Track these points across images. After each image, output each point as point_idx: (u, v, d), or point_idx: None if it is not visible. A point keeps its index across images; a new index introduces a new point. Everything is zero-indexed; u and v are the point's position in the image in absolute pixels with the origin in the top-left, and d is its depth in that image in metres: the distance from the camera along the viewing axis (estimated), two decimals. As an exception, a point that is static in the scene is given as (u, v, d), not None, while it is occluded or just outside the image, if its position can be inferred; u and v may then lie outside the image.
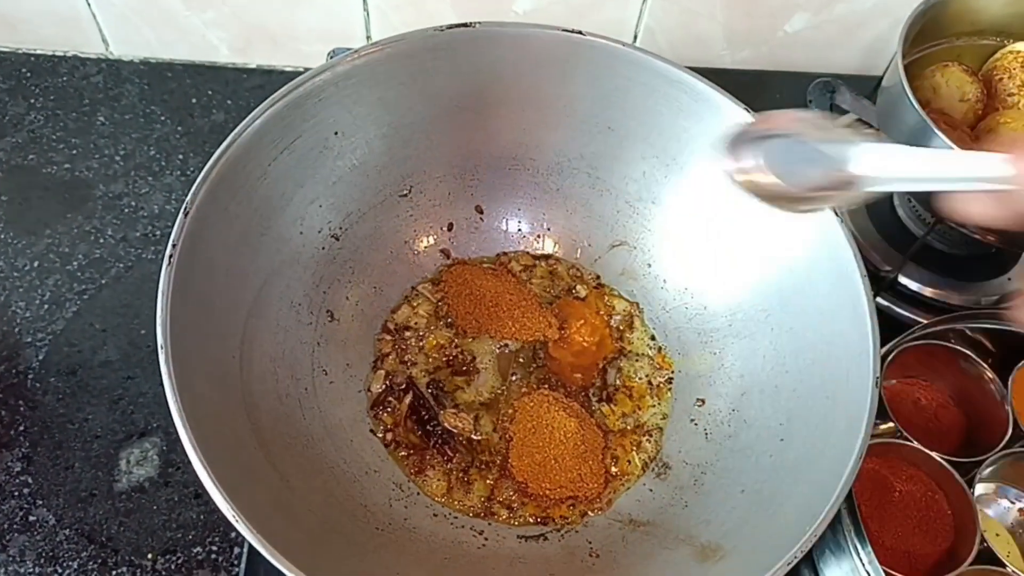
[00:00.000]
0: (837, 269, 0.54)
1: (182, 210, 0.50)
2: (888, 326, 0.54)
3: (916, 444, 0.61)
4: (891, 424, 0.61)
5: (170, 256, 0.48)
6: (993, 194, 0.27)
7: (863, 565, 0.55)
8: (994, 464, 0.61)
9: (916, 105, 0.63)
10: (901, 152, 0.30)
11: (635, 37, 0.88)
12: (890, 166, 0.29)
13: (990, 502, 0.65)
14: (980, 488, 0.64)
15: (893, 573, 0.56)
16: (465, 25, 0.58)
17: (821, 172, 0.31)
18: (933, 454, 0.60)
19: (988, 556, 0.58)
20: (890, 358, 0.61)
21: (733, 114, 0.58)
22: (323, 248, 0.62)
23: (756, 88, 0.89)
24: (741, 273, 0.62)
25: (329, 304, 0.63)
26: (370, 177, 0.63)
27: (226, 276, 0.53)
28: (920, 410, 0.66)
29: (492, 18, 0.60)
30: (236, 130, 0.53)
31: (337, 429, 0.59)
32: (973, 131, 0.71)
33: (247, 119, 0.54)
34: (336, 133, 0.59)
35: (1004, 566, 0.57)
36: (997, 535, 0.62)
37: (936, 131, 0.62)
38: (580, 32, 0.59)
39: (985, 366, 0.64)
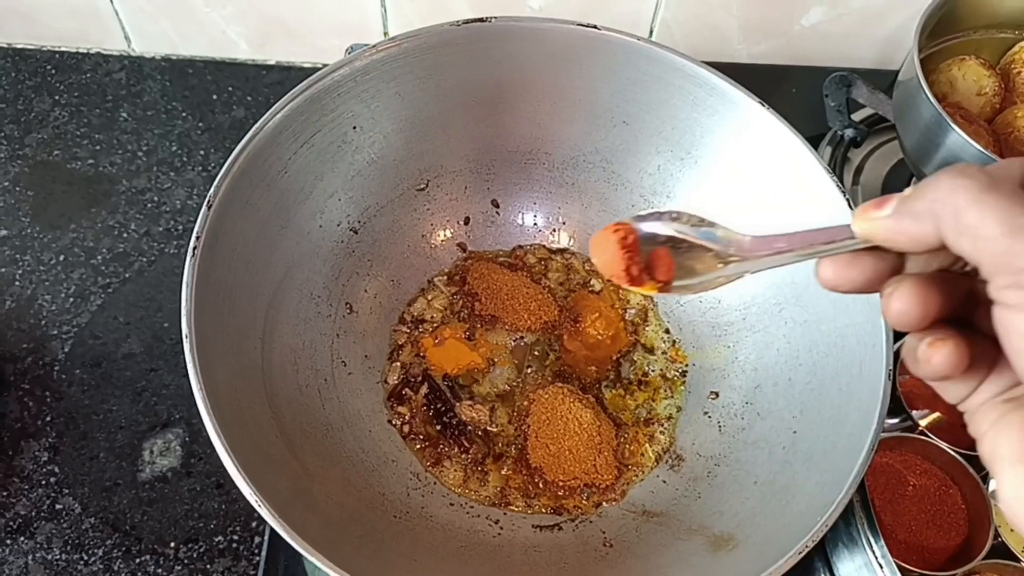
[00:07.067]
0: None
1: (205, 203, 0.50)
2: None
3: (931, 438, 0.61)
4: (906, 418, 0.62)
5: (194, 248, 0.49)
6: (842, 257, 0.31)
7: (876, 559, 0.55)
8: (1009, 458, 0.61)
9: (932, 99, 0.63)
10: (771, 235, 0.33)
11: (651, 31, 0.88)
12: (768, 247, 0.33)
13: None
14: (995, 483, 0.63)
15: (906, 567, 0.56)
16: (481, 20, 0.59)
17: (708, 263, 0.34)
18: (948, 448, 0.60)
19: (1002, 551, 0.58)
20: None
21: (748, 108, 0.59)
22: (342, 241, 0.63)
23: (773, 82, 0.89)
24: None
25: (348, 296, 0.63)
26: (388, 171, 0.64)
27: (247, 268, 0.54)
28: (935, 404, 0.66)
29: (507, 12, 0.60)
30: (257, 125, 0.54)
31: (356, 419, 0.59)
32: (990, 125, 0.70)
33: (267, 114, 0.54)
34: (354, 128, 0.60)
35: (1018, 561, 0.57)
36: (1012, 530, 0.62)
37: (952, 125, 0.61)
38: (595, 27, 0.59)
39: (1001, 360, 0.64)
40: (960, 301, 0.30)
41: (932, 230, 0.27)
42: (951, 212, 0.26)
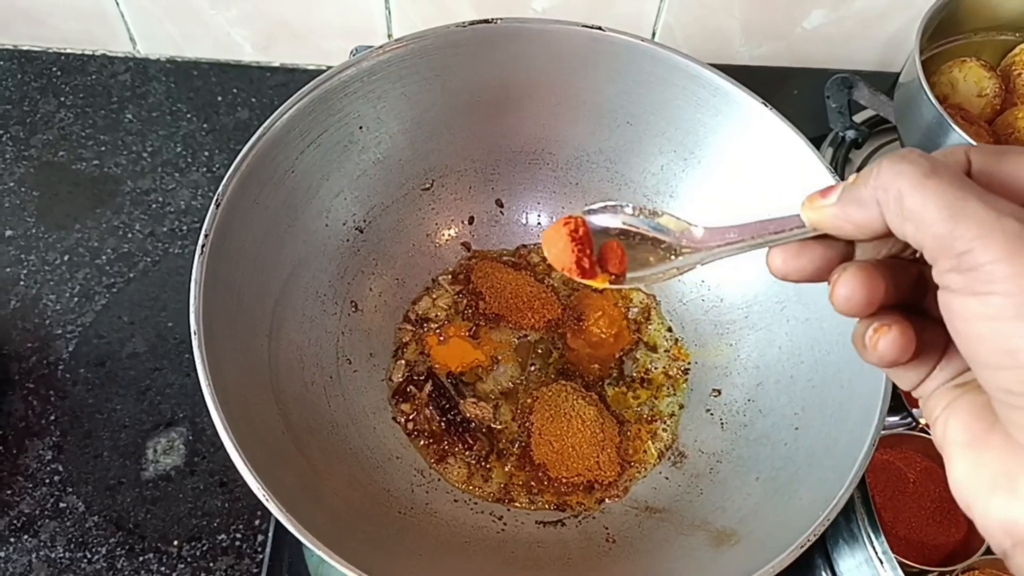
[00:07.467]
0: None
1: (214, 201, 0.51)
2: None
3: (931, 435, 0.61)
4: (906, 416, 0.62)
5: (202, 246, 0.49)
6: (791, 246, 0.31)
7: (877, 555, 0.55)
8: (1009, 456, 0.61)
9: (933, 100, 0.63)
10: (726, 226, 0.33)
11: (654, 34, 0.89)
12: (720, 238, 0.33)
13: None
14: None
15: (906, 563, 0.56)
16: (486, 21, 0.59)
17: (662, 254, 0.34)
18: (948, 445, 0.60)
19: (1002, 546, 0.58)
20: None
21: (751, 109, 0.59)
22: (347, 240, 0.63)
23: (775, 84, 0.90)
24: (757, 265, 0.62)
25: (353, 295, 0.64)
26: (393, 171, 0.64)
27: (254, 266, 0.55)
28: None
29: (511, 14, 0.61)
30: (265, 124, 0.54)
31: (361, 416, 0.60)
32: (991, 126, 0.71)
33: (275, 113, 0.55)
34: (361, 128, 0.60)
35: (1018, 556, 0.57)
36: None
37: (953, 126, 0.62)
38: (600, 28, 0.60)
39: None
40: (909, 287, 0.30)
41: (876, 216, 0.27)
42: (894, 197, 0.26)
